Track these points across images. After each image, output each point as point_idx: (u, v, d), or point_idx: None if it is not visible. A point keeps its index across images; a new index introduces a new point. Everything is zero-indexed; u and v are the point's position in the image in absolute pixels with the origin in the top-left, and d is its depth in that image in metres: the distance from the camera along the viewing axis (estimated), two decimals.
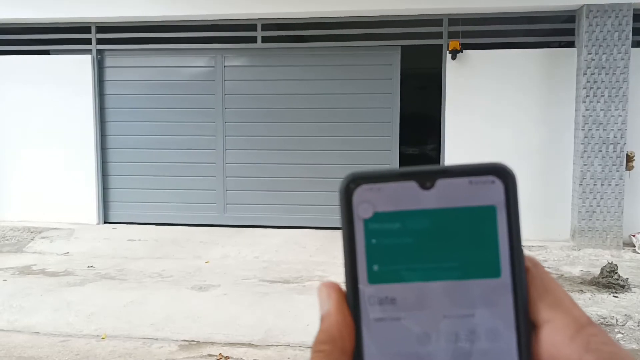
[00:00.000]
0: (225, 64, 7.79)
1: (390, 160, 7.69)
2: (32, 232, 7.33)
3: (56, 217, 7.85)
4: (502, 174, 0.43)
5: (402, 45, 7.52)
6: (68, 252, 6.59)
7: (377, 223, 0.42)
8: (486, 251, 0.42)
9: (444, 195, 0.42)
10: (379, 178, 0.42)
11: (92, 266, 5.98)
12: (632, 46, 6.61)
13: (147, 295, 5.05)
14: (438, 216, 0.42)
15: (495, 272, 0.42)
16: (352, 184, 0.42)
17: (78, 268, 5.91)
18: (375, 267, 0.42)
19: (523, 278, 0.42)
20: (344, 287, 0.43)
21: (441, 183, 0.42)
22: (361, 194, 0.42)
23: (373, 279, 0.42)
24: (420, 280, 0.42)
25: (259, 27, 7.56)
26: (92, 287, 5.31)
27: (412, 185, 0.42)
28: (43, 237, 7.17)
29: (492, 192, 0.42)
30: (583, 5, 6.63)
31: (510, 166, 0.43)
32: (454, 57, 7.01)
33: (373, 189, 0.42)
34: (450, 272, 0.42)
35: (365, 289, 0.42)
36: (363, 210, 0.42)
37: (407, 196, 0.42)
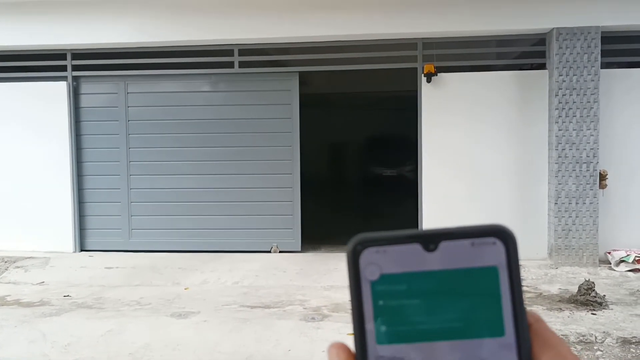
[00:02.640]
0: (129, 90, 7.87)
1: (291, 183, 7.78)
2: (6, 262, 7.18)
3: (31, 246, 7.72)
4: (503, 236, 0.44)
5: (377, 69, 7.64)
6: (43, 282, 6.46)
7: (384, 285, 0.43)
8: (490, 311, 0.43)
9: (447, 257, 0.44)
10: (384, 241, 0.44)
11: (68, 295, 5.87)
12: (601, 67, 6.78)
13: (125, 323, 4.96)
14: (442, 277, 0.43)
15: (500, 332, 0.43)
16: (359, 246, 0.44)
17: (54, 297, 5.79)
18: (383, 328, 0.44)
19: (526, 336, 0.43)
20: (352, 347, 0.45)
21: (444, 245, 0.44)
22: (368, 256, 0.44)
23: (381, 339, 0.44)
24: (427, 340, 0.43)
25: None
26: (69, 316, 5.20)
27: (416, 247, 0.44)
28: (17, 267, 7.03)
29: (493, 253, 0.44)
30: (553, 29, 6.81)
31: (510, 228, 0.44)
32: (429, 80, 7.12)
33: (379, 252, 0.44)
34: (455, 332, 0.43)
35: (374, 349, 0.43)
36: (370, 272, 0.44)
37: (412, 258, 0.44)
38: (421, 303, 0.43)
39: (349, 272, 0.44)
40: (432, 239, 0.44)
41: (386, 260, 0.44)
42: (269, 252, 7.72)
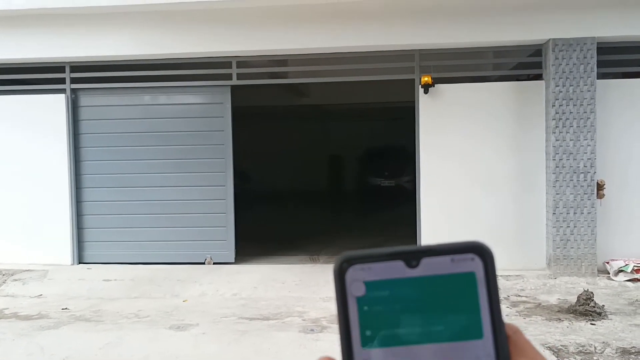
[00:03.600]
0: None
1: (225, 195, 7.84)
2: (3, 275, 7.16)
3: (29, 258, 7.70)
4: (481, 252, 0.47)
5: (375, 80, 7.68)
6: (41, 295, 6.44)
7: (368, 294, 0.46)
8: (469, 314, 0.46)
9: (428, 272, 0.46)
10: (369, 258, 0.47)
11: (66, 308, 5.85)
12: (597, 78, 6.82)
13: (124, 336, 4.95)
14: (423, 284, 0.46)
15: (478, 334, 0.45)
16: (345, 263, 0.47)
17: (52, 310, 5.78)
18: (368, 333, 0.46)
19: (504, 338, 0.46)
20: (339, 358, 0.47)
21: (425, 262, 0.46)
22: (353, 273, 0.47)
23: (366, 345, 0.46)
24: (410, 344, 0.46)
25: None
26: (67, 329, 5.18)
27: (399, 264, 0.46)
28: (15, 280, 7.01)
29: (472, 268, 0.47)
30: (549, 40, 6.86)
31: (487, 244, 0.47)
32: (426, 91, 7.16)
33: (364, 269, 0.47)
34: (437, 336, 0.46)
35: (359, 356, 0.46)
36: (355, 288, 0.46)
37: (395, 275, 0.47)
38: (403, 308, 0.46)
39: (335, 287, 0.47)
40: (414, 256, 0.46)
41: (370, 277, 0.46)
42: (203, 263, 7.75)
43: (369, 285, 0.46)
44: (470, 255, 0.46)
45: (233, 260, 7.79)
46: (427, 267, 0.46)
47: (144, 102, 7.97)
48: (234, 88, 7.81)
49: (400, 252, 0.46)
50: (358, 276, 0.46)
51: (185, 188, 7.85)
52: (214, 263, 7.77)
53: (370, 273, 0.46)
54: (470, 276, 0.46)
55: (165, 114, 7.92)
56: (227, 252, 7.82)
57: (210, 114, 7.84)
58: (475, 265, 0.46)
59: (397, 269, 0.46)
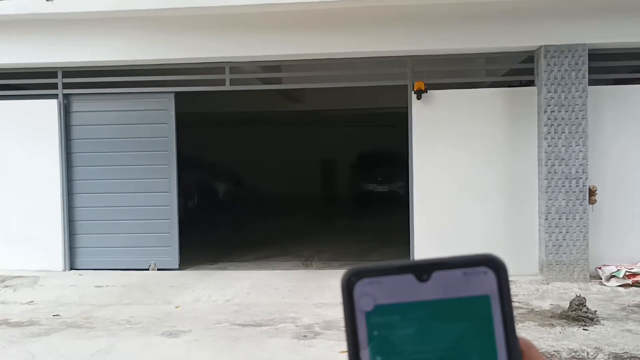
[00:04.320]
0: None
1: (169, 201, 7.86)
2: None
3: (20, 264, 7.64)
4: (494, 265, 0.45)
5: (367, 86, 7.69)
6: (32, 301, 6.38)
7: (378, 315, 0.44)
8: (483, 339, 0.44)
9: (440, 286, 0.44)
10: (378, 272, 0.45)
11: (57, 315, 5.80)
12: (589, 84, 6.86)
13: (115, 343, 4.92)
14: (436, 307, 0.44)
15: (493, 358, 0.44)
16: (353, 277, 0.45)
17: (43, 317, 5.73)
18: (378, 358, 0.44)
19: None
20: None
21: (437, 275, 0.45)
22: (362, 287, 0.45)
23: None
24: None
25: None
26: (58, 336, 5.14)
27: (409, 278, 0.45)
28: (6, 286, 6.96)
29: (485, 282, 0.45)
30: (541, 47, 6.90)
31: (500, 257, 0.45)
32: (419, 97, 7.17)
33: (373, 283, 0.45)
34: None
35: None
36: (364, 303, 0.44)
37: (405, 289, 0.44)
38: (415, 333, 0.44)
39: (343, 303, 0.45)
40: (425, 270, 0.45)
41: (380, 291, 0.44)
42: (147, 269, 7.74)
43: (379, 308, 0.44)
44: (483, 269, 0.45)
45: (177, 267, 7.79)
46: (439, 281, 0.44)
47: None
48: (182, 94, 7.86)
49: (410, 265, 0.45)
50: (367, 290, 0.44)
51: (131, 194, 7.87)
52: (158, 269, 7.76)
53: (380, 287, 0.44)
54: (484, 299, 0.44)
55: (118, 121, 7.93)
56: (171, 258, 7.82)
57: (155, 121, 7.85)
58: (488, 280, 0.45)
59: (407, 283, 0.44)
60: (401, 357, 0.44)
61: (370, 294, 0.44)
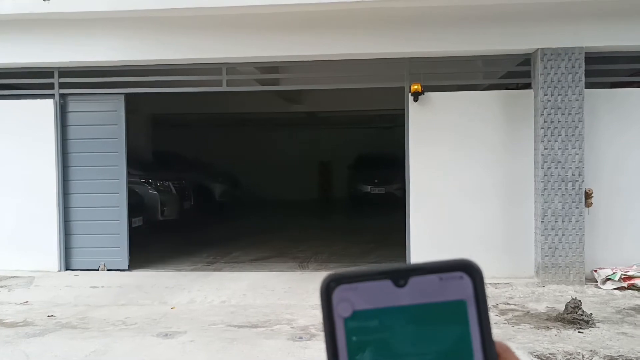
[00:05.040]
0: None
1: (119, 202, 7.88)
2: None
3: (15, 265, 7.62)
4: (469, 270, 0.45)
5: (365, 89, 7.70)
6: (27, 301, 6.36)
7: (357, 321, 0.44)
8: (460, 344, 0.44)
9: (417, 291, 0.45)
10: (356, 278, 0.45)
11: (52, 315, 5.79)
12: (585, 87, 6.88)
13: (111, 344, 4.90)
14: (413, 312, 0.44)
15: None
16: (332, 283, 0.45)
17: (38, 317, 5.71)
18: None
19: None
20: None
21: (414, 281, 0.45)
22: (340, 293, 0.45)
23: None
24: None
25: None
26: (53, 337, 5.12)
27: (387, 283, 0.45)
28: (1, 286, 6.93)
29: (461, 287, 0.45)
30: (537, 49, 6.91)
31: (476, 262, 0.45)
32: (416, 99, 7.18)
33: (351, 288, 0.45)
34: None
35: None
36: (342, 309, 0.44)
37: (383, 294, 0.45)
38: (393, 338, 0.44)
39: (322, 309, 0.45)
40: (402, 275, 0.45)
41: (358, 296, 0.45)
42: (97, 270, 7.76)
43: (357, 314, 0.44)
44: (458, 274, 0.45)
45: (127, 267, 7.80)
46: (416, 286, 0.45)
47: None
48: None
49: (387, 271, 0.45)
50: (345, 296, 0.45)
51: (85, 195, 7.90)
52: (108, 270, 7.77)
53: (358, 293, 0.45)
54: (460, 304, 0.44)
55: (70, 122, 7.95)
56: (120, 259, 7.83)
57: (105, 122, 7.87)
58: (464, 285, 0.45)
59: (385, 289, 0.45)
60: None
61: (349, 299, 0.45)
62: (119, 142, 7.84)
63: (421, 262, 0.45)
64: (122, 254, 7.82)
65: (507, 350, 0.45)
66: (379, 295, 0.44)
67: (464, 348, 0.44)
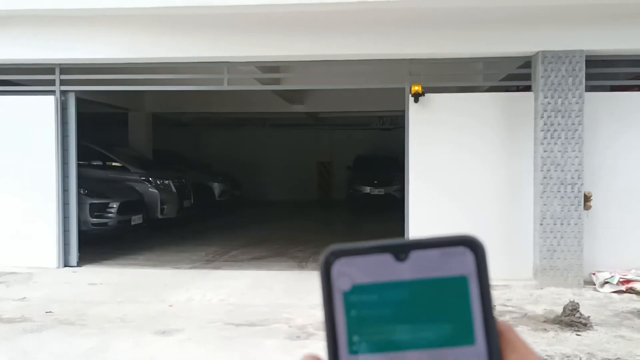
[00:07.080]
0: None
1: (68, 199, 7.91)
2: None
3: (14, 261, 7.62)
4: (472, 245, 0.45)
5: (366, 90, 7.70)
6: (25, 297, 6.36)
7: (356, 295, 0.44)
8: (460, 320, 0.44)
9: (417, 266, 0.44)
10: (356, 252, 0.44)
11: (50, 311, 5.78)
12: (586, 90, 6.88)
13: (108, 341, 4.90)
14: (414, 287, 0.44)
15: (470, 340, 0.44)
16: (331, 257, 0.44)
17: (36, 314, 5.71)
18: (355, 338, 0.44)
19: (497, 344, 0.44)
20: (325, 358, 0.44)
21: (415, 255, 0.44)
22: (340, 267, 0.44)
23: (353, 349, 0.44)
24: (399, 349, 0.43)
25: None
26: (50, 333, 5.12)
27: (387, 258, 0.44)
28: None
29: (463, 263, 0.44)
30: (538, 52, 6.92)
31: (479, 237, 0.45)
32: (416, 100, 7.18)
33: (351, 262, 0.44)
34: (427, 341, 0.43)
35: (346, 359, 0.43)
36: (342, 282, 0.44)
37: (383, 268, 0.44)
38: (392, 312, 0.44)
39: (321, 282, 0.44)
40: (403, 249, 0.44)
41: (358, 270, 0.44)
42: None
43: (357, 288, 0.44)
44: (460, 249, 0.44)
45: (76, 264, 7.84)
46: (416, 261, 0.44)
47: None
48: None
49: (388, 245, 0.44)
50: (345, 270, 0.44)
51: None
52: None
53: (358, 267, 0.44)
54: (462, 280, 0.44)
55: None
56: (70, 255, 7.88)
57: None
58: (466, 260, 0.44)
59: (385, 263, 0.44)
60: (378, 337, 0.43)
61: (348, 273, 0.44)
62: (68, 140, 7.89)
63: (423, 236, 0.45)
64: (71, 251, 7.90)
65: (509, 329, 0.45)
66: (379, 269, 0.44)
67: (464, 325, 0.43)
